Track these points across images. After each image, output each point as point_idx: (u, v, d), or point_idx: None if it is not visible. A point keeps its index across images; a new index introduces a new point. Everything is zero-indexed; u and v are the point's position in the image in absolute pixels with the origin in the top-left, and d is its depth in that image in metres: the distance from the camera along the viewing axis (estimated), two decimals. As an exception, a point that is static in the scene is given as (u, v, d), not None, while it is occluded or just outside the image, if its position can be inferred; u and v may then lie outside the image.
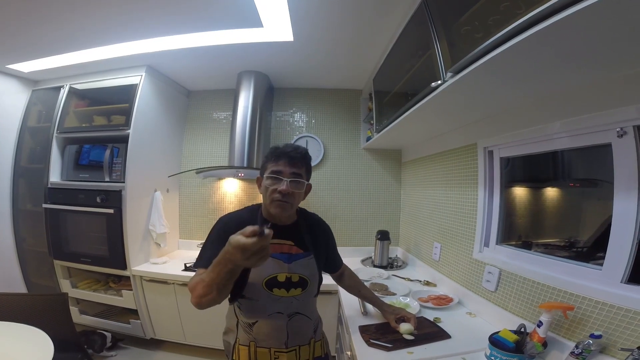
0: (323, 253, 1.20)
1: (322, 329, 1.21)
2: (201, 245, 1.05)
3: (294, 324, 1.05)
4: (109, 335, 2.29)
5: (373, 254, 2.46)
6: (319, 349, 1.14)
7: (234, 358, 1.06)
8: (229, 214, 1.10)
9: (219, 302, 0.89)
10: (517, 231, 1.53)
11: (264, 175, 1.03)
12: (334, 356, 1.87)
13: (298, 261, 1.06)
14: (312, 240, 1.13)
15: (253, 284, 1.00)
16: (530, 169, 1.49)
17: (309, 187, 1.09)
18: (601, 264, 0.98)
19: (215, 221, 1.07)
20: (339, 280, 1.43)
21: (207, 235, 1.05)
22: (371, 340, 1.19)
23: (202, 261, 0.96)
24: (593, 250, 1.10)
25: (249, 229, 0.73)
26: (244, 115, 2.42)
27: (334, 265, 1.35)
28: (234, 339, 1.07)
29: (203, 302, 0.86)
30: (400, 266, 2.38)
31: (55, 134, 2.37)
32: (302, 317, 1.07)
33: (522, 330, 1.06)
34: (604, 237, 0.98)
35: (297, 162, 1.02)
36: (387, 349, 1.14)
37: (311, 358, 1.11)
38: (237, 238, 0.72)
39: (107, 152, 2.26)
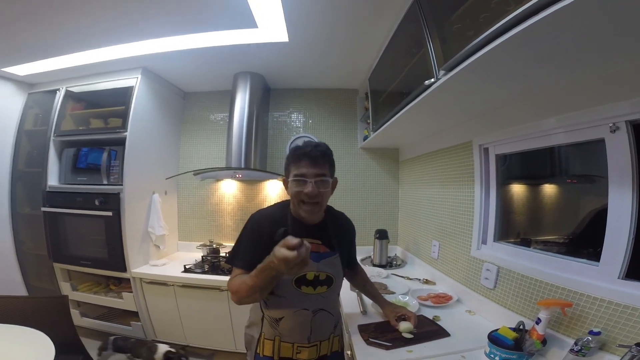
0: (347, 251, 1.23)
1: (341, 325, 1.24)
2: (234, 243, 1.09)
3: (318, 320, 1.08)
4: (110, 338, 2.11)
5: (372, 253, 2.46)
6: (336, 344, 1.18)
7: (257, 351, 1.10)
8: (260, 211, 1.12)
9: (258, 301, 1.05)
10: (515, 228, 1.52)
11: (289, 179, 1.05)
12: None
13: (325, 260, 1.10)
14: (338, 239, 1.16)
15: (283, 281, 1.02)
16: (527, 166, 1.49)
17: (335, 182, 1.11)
18: (590, 258, 0.98)
19: (248, 218, 1.10)
20: (353, 275, 1.44)
21: (240, 232, 1.09)
22: (370, 339, 1.19)
23: (238, 260, 1.03)
24: (581, 243, 1.10)
25: (290, 242, 0.78)
26: (240, 116, 2.41)
27: (353, 263, 1.39)
28: (258, 333, 1.11)
29: (244, 301, 0.97)
30: (399, 265, 2.37)
31: (52, 138, 2.37)
32: (325, 314, 1.10)
33: (521, 327, 1.06)
34: (592, 229, 0.98)
35: (319, 161, 1.03)
36: (387, 348, 1.14)
37: (329, 353, 1.14)
38: (281, 251, 0.78)
39: (105, 155, 2.25)
